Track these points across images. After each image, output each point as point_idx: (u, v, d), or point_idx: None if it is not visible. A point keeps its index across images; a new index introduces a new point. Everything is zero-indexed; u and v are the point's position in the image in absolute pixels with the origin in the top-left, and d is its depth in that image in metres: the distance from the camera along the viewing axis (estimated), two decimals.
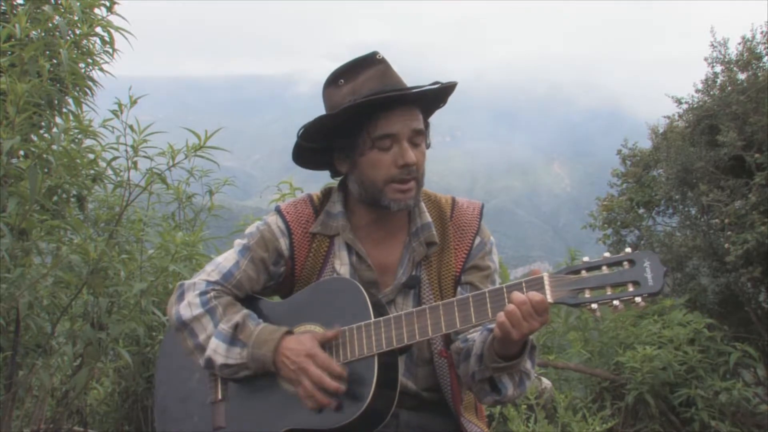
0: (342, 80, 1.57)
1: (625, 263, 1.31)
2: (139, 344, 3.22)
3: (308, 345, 1.47)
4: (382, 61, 1.58)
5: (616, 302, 1.29)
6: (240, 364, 1.53)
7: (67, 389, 3.02)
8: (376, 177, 1.54)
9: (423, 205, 1.66)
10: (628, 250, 1.32)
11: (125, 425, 3.43)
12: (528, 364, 1.48)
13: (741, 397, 3.75)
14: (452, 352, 1.63)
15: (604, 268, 1.32)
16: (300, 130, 1.58)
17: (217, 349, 1.54)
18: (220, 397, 1.59)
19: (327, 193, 1.71)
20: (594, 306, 1.30)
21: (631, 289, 1.28)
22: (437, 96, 1.60)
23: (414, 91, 1.54)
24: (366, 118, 1.52)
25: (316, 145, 1.62)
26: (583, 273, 1.33)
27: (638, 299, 1.27)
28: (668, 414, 3.93)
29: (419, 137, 1.56)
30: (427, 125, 1.61)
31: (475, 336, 1.58)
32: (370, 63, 1.57)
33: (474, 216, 1.68)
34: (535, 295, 1.33)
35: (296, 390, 1.47)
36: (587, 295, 1.31)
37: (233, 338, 1.53)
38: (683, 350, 3.84)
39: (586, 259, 1.35)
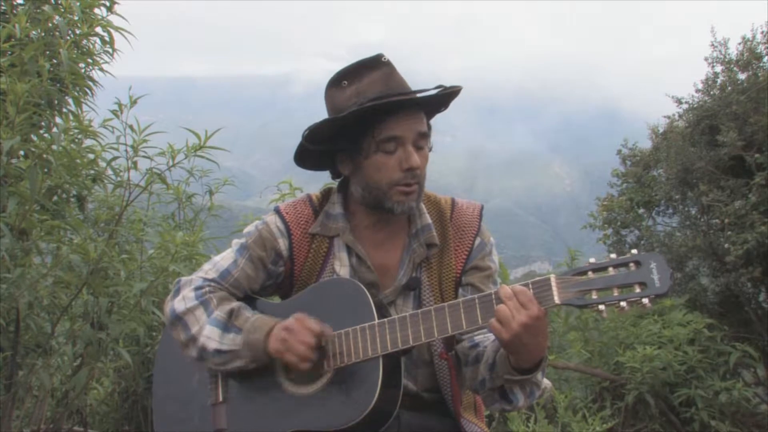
0: (345, 81, 1.56)
1: (632, 264, 1.30)
2: (139, 344, 3.22)
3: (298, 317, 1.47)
4: (387, 64, 1.57)
5: (623, 303, 1.28)
6: (233, 350, 1.51)
7: (67, 389, 3.02)
8: (381, 180, 1.54)
9: (423, 206, 1.66)
10: (634, 251, 1.31)
11: (125, 425, 3.43)
12: (540, 375, 1.46)
13: (741, 397, 3.76)
14: (458, 353, 1.63)
15: (610, 269, 1.32)
16: (305, 131, 1.57)
17: (211, 335, 1.52)
18: (221, 398, 1.58)
19: (326, 194, 1.70)
20: (601, 307, 1.30)
21: (638, 290, 1.28)
22: (441, 100, 1.60)
23: (423, 95, 1.53)
24: (372, 121, 1.51)
25: (319, 148, 1.61)
26: (590, 274, 1.33)
27: (645, 300, 1.26)
28: (668, 414, 3.93)
29: (423, 140, 1.56)
30: (429, 128, 1.61)
31: (483, 340, 1.58)
32: (375, 65, 1.56)
33: (474, 217, 1.68)
34: (515, 286, 1.34)
35: (284, 357, 1.45)
36: (594, 296, 1.31)
37: (228, 324, 1.53)
38: (683, 350, 3.84)
39: (592, 260, 1.34)
